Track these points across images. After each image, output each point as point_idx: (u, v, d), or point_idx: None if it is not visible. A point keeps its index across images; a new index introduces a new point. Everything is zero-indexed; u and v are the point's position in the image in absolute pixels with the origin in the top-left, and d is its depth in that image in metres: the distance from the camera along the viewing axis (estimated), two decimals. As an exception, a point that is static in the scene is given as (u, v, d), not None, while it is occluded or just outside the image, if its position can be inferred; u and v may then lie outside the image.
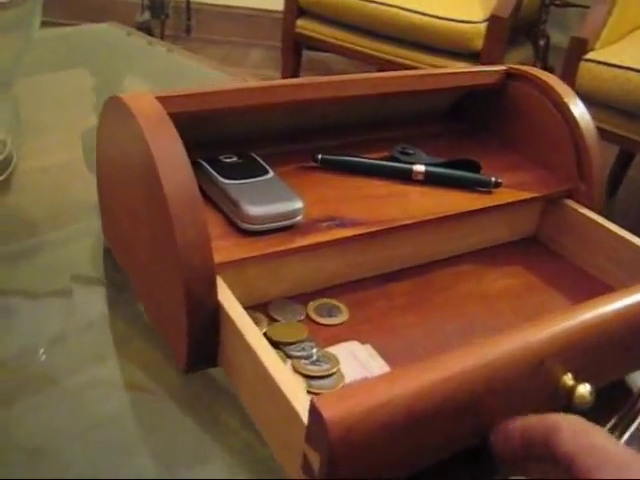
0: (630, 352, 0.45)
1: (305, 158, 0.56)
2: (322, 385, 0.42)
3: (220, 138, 0.54)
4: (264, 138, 0.58)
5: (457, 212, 0.53)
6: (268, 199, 0.47)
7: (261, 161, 0.52)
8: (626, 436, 0.45)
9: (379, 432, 0.32)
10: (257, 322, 0.46)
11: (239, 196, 0.46)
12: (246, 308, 0.45)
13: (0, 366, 0.45)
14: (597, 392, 0.38)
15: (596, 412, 0.38)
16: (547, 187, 0.58)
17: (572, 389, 0.38)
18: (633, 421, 0.46)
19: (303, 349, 0.44)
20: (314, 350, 0.44)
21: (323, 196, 0.52)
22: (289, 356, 0.44)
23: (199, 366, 0.43)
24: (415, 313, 0.50)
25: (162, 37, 2.87)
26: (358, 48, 1.94)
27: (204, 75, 1.06)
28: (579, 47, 1.63)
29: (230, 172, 0.49)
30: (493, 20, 1.73)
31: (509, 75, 0.63)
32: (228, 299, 0.41)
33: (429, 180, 0.56)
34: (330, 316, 0.48)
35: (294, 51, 2.15)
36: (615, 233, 0.55)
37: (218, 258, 0.42)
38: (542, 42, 2.18)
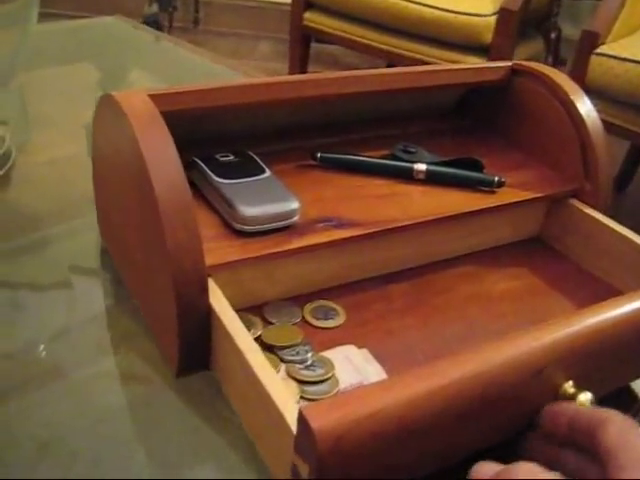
0: (635, 358, 0.43)
1: (304, 156, 0.55)
2: (316, 391, 0.41)
3: (217, 136, 0.53)
4: (263, 135, 0.57)
5: (459, 212, 0.51)
6: (263, 199, 0.46)
7: (258, 160, 0.51)
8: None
9: (370, 443, 0.31)
10: (251, 325, 0.45)
11: (234, 196, 0.45)
12: (241, 310, 0.44)
13: (8, 359, 0.45)
14: (601, 399, 0.37)
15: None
16: (552, 187, 0.57)
17: (573, 397, 0.37)
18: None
19: (297, 353, 0.43)
20: (309, 354, 0.43)
21: (321, 196, 0.51)
22: (283, 360, 0.43)
23: (190, 370, 0.43)
24: (414, 316, 0.49)
25: (170, 30, 2.86)
26: (366, 41, 1.92)
27: (208, 69, 1.05)
28: (590, 41, 1.60)
29: (225, 171, 0.48)
30: (503, 13, 1.70)
31: (514, 71, 0.61)
32: (220, 302, 0.40)
33: (431, 179, 0.55)
34: (327, 319, 0.47)
35: (302, 44, 2.13)
36: (620, 234, 0.54)
37: (210, 260, 0.41)
38: (553, 35, 2.15)
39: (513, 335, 0.37)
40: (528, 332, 0.37)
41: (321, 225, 0.47)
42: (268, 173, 0.49)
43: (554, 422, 0.36)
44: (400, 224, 0.49)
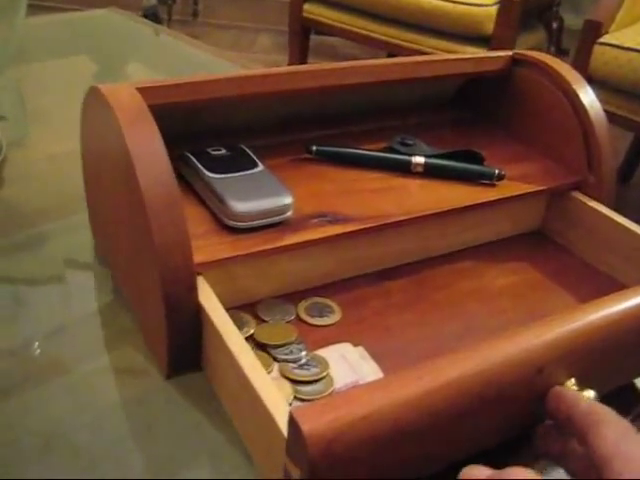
0: (638, 355, 0.42)
1: (299, 149, 0.54)
2: (310, 391, 0.40)
3: (210, 128, 0.52)
4: (256, 128, 0.55)
5: (458, 207, 0.50)
6: (256, 194, 0.44)
7: (250, 153, 0.49)
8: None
9: (364, 446, 0.30)
10: (244, 323, 0.44)
11: (225, 191, 0.44)
12: (233, 308, 0.43)
13: (9, 356, 0.44)
14: (603, 397, 0.35)
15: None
16: (554, 179, 0.55)
17: None
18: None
19: (291, 352, 0.42)
20: (303, 353, 0.42)
21: (316, 190, 0.49)
22: (276, 359, 0.42)
23: (181, 371, 0.41)
24: (411, 312, 0.48)
25: (169, 22, 2.84)
26: (366, 32, 1.90)
27: (207, 62, 1.04)
28: (593, 30, 1.58)
29: (217, 165, 0.47)
30: (504, 3, 1.68)
31: (515, 61, 0.60)
32: (210, 301, 0.39)
33: (429, 172, 0.53)
34: (322, 316, 0.46)
35: (302, 36, 2.11)
36: (625, 227, 0.52)
37: (200, 257, 0.40)
38: (555, 25, 2.13)
39: (513, 332, 0.35)
40: (528, 329, 0.36)
41: (315, 221, 0.46)
42: (261, 167, 0.48)
43: (556, 406, 0.35)
44: (397, 219, 0.47)
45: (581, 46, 1.61)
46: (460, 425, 0.33)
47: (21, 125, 0.76)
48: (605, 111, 0.56)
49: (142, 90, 0.42)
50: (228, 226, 0.44)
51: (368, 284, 0.50)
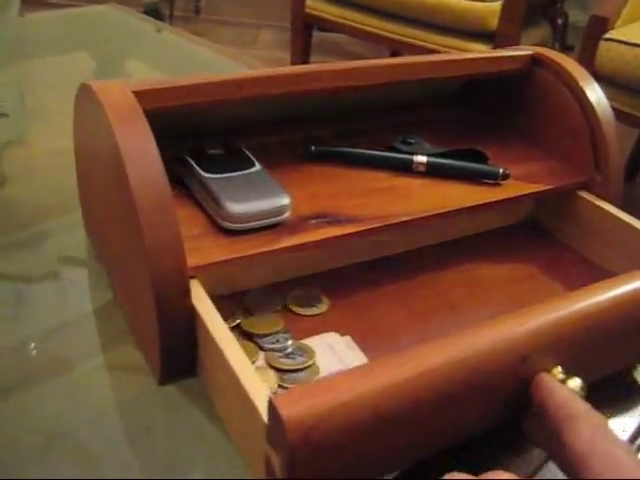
0: (628, 343, 0.41)
1: (297, 149, 0.52)
2: (295, 379, 0.39)
3: (207, 127, 0.51)
4: (254, 127, 0.54)
5: (461, 207, 0.48)
6: (252, 195, 0.43)
7: (248, 153, 0.48)
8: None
9: (344, 432, 0.29)
10: (232, 313, 0.43)
11: (221, 192, 0.43)
12: (222, 297, 0.42)
13: (11, 354, 0.44)
14: (601, 386, 0.35)
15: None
16: (560, 179, 0.54)
17: (562, 384, 0.35)
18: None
19: (277, 341, 0.42)
20: (289, 342, 0.42)
21: (315, 190, 0.48)
22: (262, 349, 0.41)
23: (174, 377, 0.40)
24: (400, 303, 0.47)
25: (171, 19, 2.83)
26: (369, 29, 1.88)
27: (208, 59, 1.03)
28: (599, 26, 1.56)
29: (213, 165, 0.45)
30: (509, -1, 1.66)
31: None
32: (204, 305, 0.38)
33: (431, 172, 0.52)
34: (310, 306, 0.45)
35: (304, 32, 2.09)
36: (632, 226, 0.51)
37: (195, 260, 0.39)
38: (560, 21, 2.11)
39: (497, 320, 0.35)
40: (513, 317, 0.35)
41: (314, 222, 0.44)
42: (258, 167, 0.46)
43: (534, 395, 0.34)
44: (399, 220, 0.46)
45: (586, 42, 1.59)
46: (443, 413, 0.33)
47: (22, 122, 0.76)
48: (611, 108, 0.55)
49: (137, 94, 0.40)
50: (224, 228, 0.42)
51: (356, 274, 0.49)
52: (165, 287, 0.36)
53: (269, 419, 0.30)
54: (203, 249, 0.41)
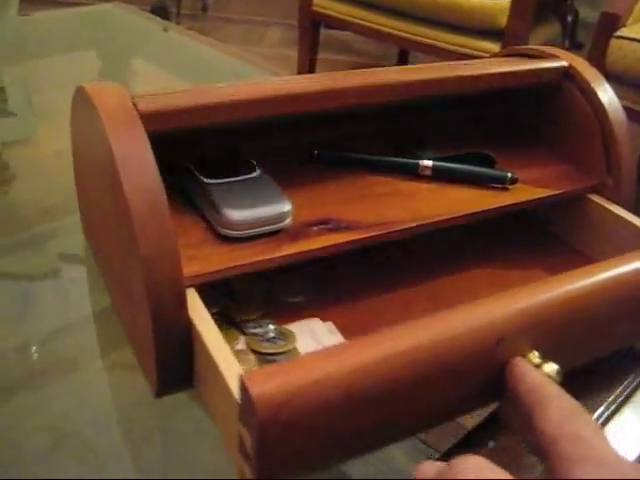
0: (611, 329, 0.40)
1: (300, 152, 0.51)
2: (275, 363, 0.39)
3: (207, 131, 0.49)
4: (255, 130, 0.52)
5: (468, 212, 0.47)
6: (252, 201, 0.42)
7: (248, 157, 0.47)
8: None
9: (314, 411, 0.29)
10: (216, 299, 0.43)
11: (220, 198, 0.41)
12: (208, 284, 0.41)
13: (18, 352, 0.45)
14: (568, 372, 0.34)
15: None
16: (570, 183, 0.52)
17: (538, 367, 0.34)
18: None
19: (260, 326, 0.41)
20: (271, 327, 0.41)
21: (318, 196, 0.47)
22: (244, 333, 0.41)
23: (171, 389, 0.39)
24: (383, 290, 0.46)
25: (178, 16, 2.82)
26: (377, 27, 1.86)
27: (213, 59, 1.02)
28: (610, 23, 1.54)
29: (212, 170, 0.44)
30: (518, -5, 1.64)
31: (524, 56, 0.56)
32: (200, 317, 0.36)
33: (437, 176, 0.50)
34: (294, 292, 0.45)
35: (312, 29, 2.08)
36: (645, 232, 0.49)
37: (192, 269, 0.38)
38: (570, 18, 2.08)
39: (473, 303, 0.35)
40: (489, 300, 0.35)
41: (316, 228, 0.43)
42: (258, 172, 0.45)
43: (509, 377, 0.33)
44: (404, 226, 0.45)
45: (597, 40, 1.57)
46: (416, 394, 0.32)
47: (28, 122, 0.76)
48: (622, 107, 0.53)
49: (143, 117, 0.38)
50: (223, 235, 0.41)
51: (341, 261, 0.48)
52: (161, 298, 0.35)
53: (240, 397, 0.30)
54: (202, 257, 0.39)
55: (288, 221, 0.42)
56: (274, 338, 0.41)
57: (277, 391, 0.28)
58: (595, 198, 0.53)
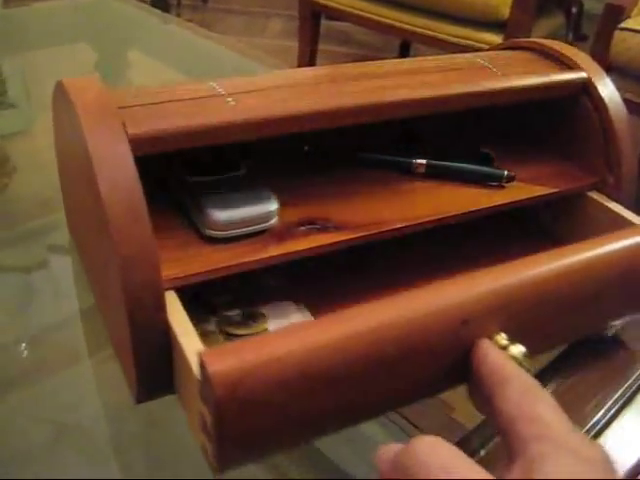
0: (581, 312, 0.39)
1: (289, 149, 0.49)
2: None
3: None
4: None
5: (460, 213, 0.45)
6: (236, 200, 0.40)
7: (232, 153, 0.45)
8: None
9: (272, 388, 0.29)
10: None
11: (203, 197, 0.40)
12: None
13: (20, 345, 0.45)
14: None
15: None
16: (568, 181, 0.51)
17: (504, 349, 0.33)
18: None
19: (232, 307, 0.41)
20: (242, 309, 0.41)
21: (306, 194, 0.45)
22: (215, 314, 0.41)
23: (152, 395, 0.38)
24: (358, 275, 0.46)
25: (179, 8, 2.80)
26: (378, 18, 1.84)
27: (212, 52, 1.01)
28: (614, 15, 1.52)
29: (197, 168, 0.42)
30: (521, -14, 1.62)
31: (526, 49, 0.55)
32: (179, 320, 0.35)
33: (432, 174, 0.49)
34: (273, 274, 0.44)
35: (312, 21, 2.06)
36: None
37: (172, 272, 0.36)
38: (574, 10, 2.06)
39: (437, 283, 0.34)
40: (454, 281, 0.34)
41: (303, 229, 0.41)
42: (243, 170, 0.43)
43: (473, 359, 0.33)
44: (395, 226, 0.43)
45: (601, 31, 1.55)
46: (377, 375, 0.32)
47: (26, 114, 0.75)
48: (625, 100, 0.51)
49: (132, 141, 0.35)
50: (207, 236, 0.40)
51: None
52: (138, 301, 0.34)
53: (200, 375, 0.29)
54: (184, 259, 0.38)
55: (274, 221, 0.41)
56: (245, 320, 0.40)
57: (234, 368, 0.28)
58: (595, 196, 0.51)
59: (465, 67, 0.49)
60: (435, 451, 0.26)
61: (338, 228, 0.42)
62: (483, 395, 0.31)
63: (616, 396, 0.43)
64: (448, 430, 0.41)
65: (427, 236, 0.45)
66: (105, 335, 0.43)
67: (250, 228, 0.40)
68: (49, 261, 0.52)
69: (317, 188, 0.46)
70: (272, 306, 0.42)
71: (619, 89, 0.51)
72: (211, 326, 0.40)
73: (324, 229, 0.41)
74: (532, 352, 0.33)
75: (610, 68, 1.49)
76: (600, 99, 0.50)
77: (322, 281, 0.45)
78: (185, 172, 0.42)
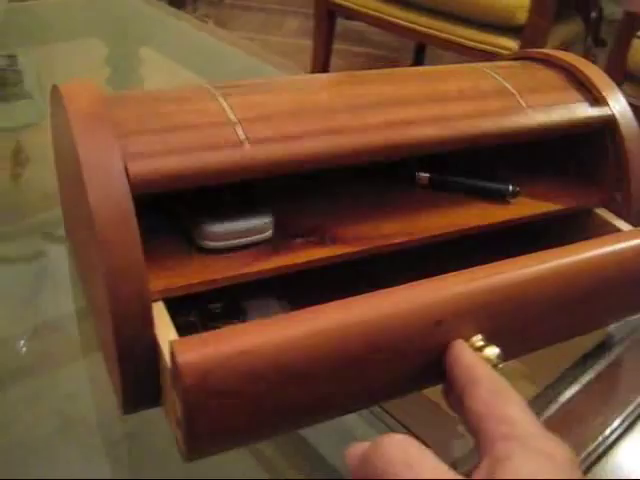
0: (562, 315, 0.39)
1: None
2: None
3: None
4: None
5: (464, 227, 0.44)
6: (230, 211, 0.39)
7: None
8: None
9: (242, 381, 0.29)
10: None
11: (197, 208, 0.39)
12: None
13: (27, 337, 0.45)
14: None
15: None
16: (575, 197, 0.49)
17: (479, 351, 0.33)
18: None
19: (213, 300, 0.41)
20: (223, 303, 0.41)
21: (303, 205, 0.44)
22: (196, 307, 0.40)
23: (138, 407, 0.37)
24: (353, 273, 0.43)
25: (195, 4, 2.80)
26: (393, 20, 1.83)
27: (218, 49, 1.00)
28: (632, 22, 1.49)
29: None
30: (539, -9, 1.60)
31: (535, 60, 0.53)
32: (165, 334, 0.34)
33: (435, 187, 0.48)
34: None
35: (328, 20, 2.05)
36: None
37: (162, 283, 0.35)
38: (594, 15, 2.03)
39: (411, 284, 0.34)
40: (428, 281, 0.35)
41: (299, 241, 0.41)
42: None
43: (446, 360, 0.33)
44: (395, 241, 0.42)
45: (620, 38, 1.53)
46: (350, 372, 0.32)
47: (40, 106, 0.75)
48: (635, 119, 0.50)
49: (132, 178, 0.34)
50: (201, 247, 0.39)
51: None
52: (124, 316, 0.33)
53: (171, 365, 0.30)
54: (175, 270, 0.37)
55: (268, 233, 0.40)
56: (226, 313, 0.40)
57: (204, 358, 0.29)
58: (601, 212, 0.50)
59: (490, 95, 0.47)
60: (401, 448, 0.26)
61: (335, 241, 0.41)
62: (455, 395, 0.31)
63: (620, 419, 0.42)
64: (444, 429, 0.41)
65: (427, 245, 0.44)
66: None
67: (245, 240, 0.39)
68: (55, 253, 0.52)
69: (316, 200, 0.45)
70: (255, 301, 0.42)
71: (636, 97, 0.50)
72: (191, 317, 0.40)
73: (321, 242, 0.40)
74: (512, 354, 0.33)
75: (627, 75, 1.47)
76: (610, 115, 0.49)
77: (310, 279, 0.43)
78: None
